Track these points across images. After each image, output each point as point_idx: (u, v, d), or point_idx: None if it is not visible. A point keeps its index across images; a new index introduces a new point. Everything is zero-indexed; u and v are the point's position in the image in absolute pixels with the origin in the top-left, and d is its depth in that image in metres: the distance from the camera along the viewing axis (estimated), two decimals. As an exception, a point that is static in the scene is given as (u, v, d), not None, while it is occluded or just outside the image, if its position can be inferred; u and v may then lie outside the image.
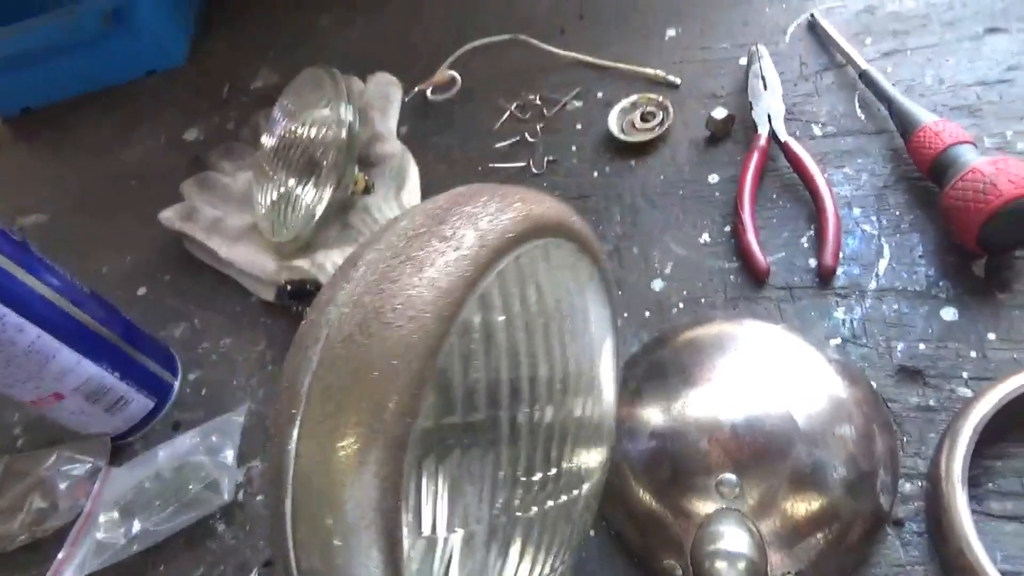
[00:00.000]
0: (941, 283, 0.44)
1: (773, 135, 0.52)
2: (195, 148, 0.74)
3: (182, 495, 0.48)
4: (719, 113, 0.54)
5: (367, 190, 0.57)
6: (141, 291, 0.64)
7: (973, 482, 0.37)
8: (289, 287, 0.53)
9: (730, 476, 0.36)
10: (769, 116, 0.53)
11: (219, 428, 0.51)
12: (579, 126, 0.61)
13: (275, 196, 0.57)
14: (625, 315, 0.49)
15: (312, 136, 0.56)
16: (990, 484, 0.37)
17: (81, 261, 0.51)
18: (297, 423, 0.22)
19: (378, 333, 0.22)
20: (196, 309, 0.61)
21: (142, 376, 0.53)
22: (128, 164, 0.77)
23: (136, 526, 0.47)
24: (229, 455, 0.49)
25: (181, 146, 0.76)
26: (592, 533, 0.41)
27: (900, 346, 0.42)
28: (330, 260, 0.53)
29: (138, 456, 0.51)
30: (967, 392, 0.40)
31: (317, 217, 0.54)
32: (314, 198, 0.55)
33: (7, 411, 0.59)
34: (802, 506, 0.36)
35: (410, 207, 0.33)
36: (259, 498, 0.48)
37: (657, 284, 0.50)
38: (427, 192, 0.59)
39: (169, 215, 0.63)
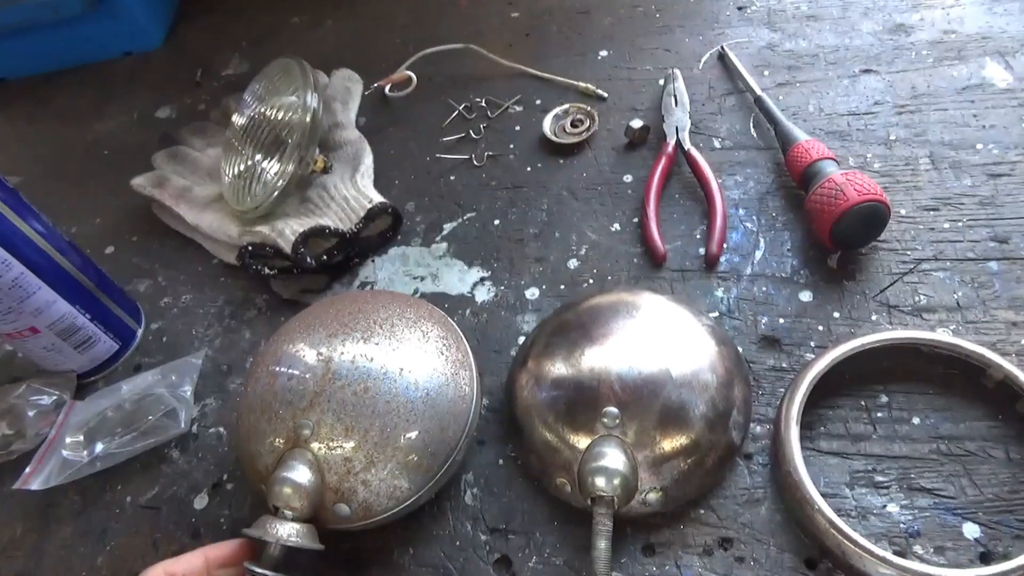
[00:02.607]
0: (802, 271, 0.53)
1: (679, 145, 0.61)
2: (166, 125, 0.80)
3: (141, 423, 0.53)
4: (636, 123, 0.63)
5: (326, 170, 0.64)
6: (109, 250, 0.70)
7: (808, 426, 0.46)
8: (250, 248, 0.60)
9: (612, 409, 0.44)
10: (677, 128, 0.62)
11: (178, 368, 0.57)
12: (518, 128, 0.69)
13: (242, 168, 0.64)
14: (544, 287, 0.57)
15: (279, 118, 0.63)
16: (822, 428, 0.46)
17: (52, 221, 0.56)
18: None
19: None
20: (160, 268, 0.67)
21: (109, 320, 0.59)
22: (101, 136, 0.82)
23: (98, 448, 0.52)
24: (187, 390, 0.55)
25: (153, 123, 0.81)
26: (500, 462, 0.49)
27: (764, 320, 0.51)
28: (288, 227, 0.60)
29: (101, 389, 0.57)
30: (811, 356, 0.49)
31: (279, 190, 0.61)
32: (277, 172, 0.62)
33: (-24, 350, 0.64)
34: (669, 435, 0.44)
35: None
36: (211, 430, 0.54)
37: (573, 263, 0.58)
38: (380, 174, 0.67)
39: (141, 181, 0.69)
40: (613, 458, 0.42)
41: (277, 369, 0.46)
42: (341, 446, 0.43)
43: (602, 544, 0.40)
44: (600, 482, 0.41)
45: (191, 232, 0.67)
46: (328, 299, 0.52)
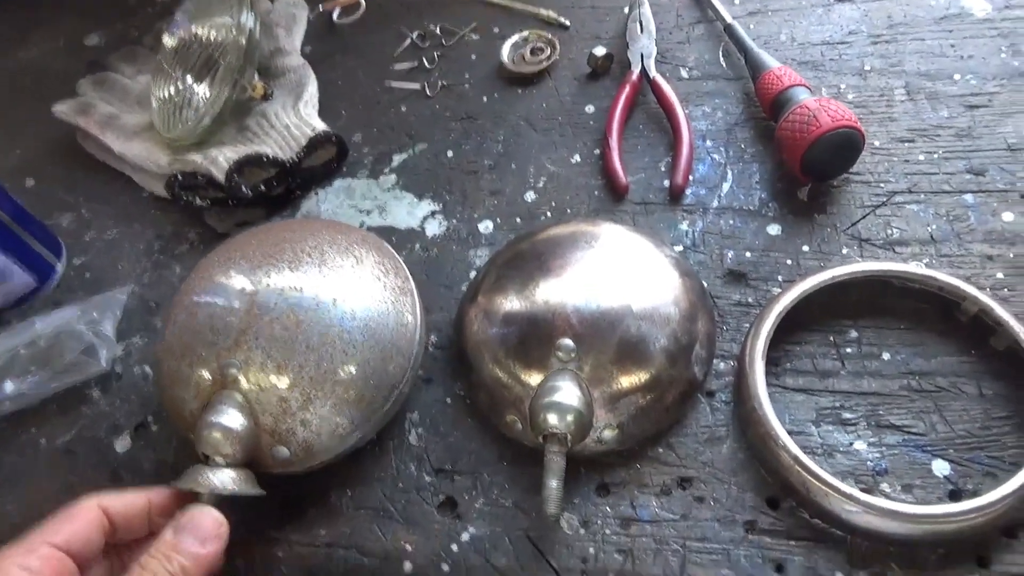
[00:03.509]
0: (771, 204, 0.50)
1: (645, 73, 0.58)
2: (95, 53, 0.74)
3: (57, 362, 0.49)
4: (599, 51, 0.59)
5: (266, 97, 0.60)
6: (29, 183, 0.64)
7: (774, 362, 0.43)
8: (179, 177, 0.55)
9: (567, 342, 0.41)
10: (643, 56, 0.59)
11: (100, 304, 0.52)
12: (474, 56, 0.65)
13: (172, 91, 0.58)
14: (498, 220, 0.53)
15: (212, 38, 0.58)
16: (788, 364, 0.43)
17: (-34, 152, 0.51)
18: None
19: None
20: (85, 201, 0.61)
21: (25, 253, 0.54)
22: (23, 63, 0.76)
23: (8, 387, 0.48)
24: (109, 327, 0.50)
25: (81, 50, 0.75)
26: (448, 401, 0.45)
27: (731, 254, 0.48)
28: (222, 155, 0.55)
29: (14, 325, 0.52)
30: (779, 291, 0.46)
31: (211, 115, 0.56)
32: (209, 97, 0.57)
33: None
34: (627, 370, 0.41)
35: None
36: (136, 369, 0.50)
37: (530, 195, 0.54)
38: (325, 104, 0.62)
39: (63, 108, 0.63)
40: (567, 393, 0.39)
41: (197, 305, 0.42)
42: (274, 385, 0.39)
43: (553, 483, 0.37)
44: (552, 418, 0.38)
45: (119, 163, 0.62)
46: (250, 231, 0.47)
